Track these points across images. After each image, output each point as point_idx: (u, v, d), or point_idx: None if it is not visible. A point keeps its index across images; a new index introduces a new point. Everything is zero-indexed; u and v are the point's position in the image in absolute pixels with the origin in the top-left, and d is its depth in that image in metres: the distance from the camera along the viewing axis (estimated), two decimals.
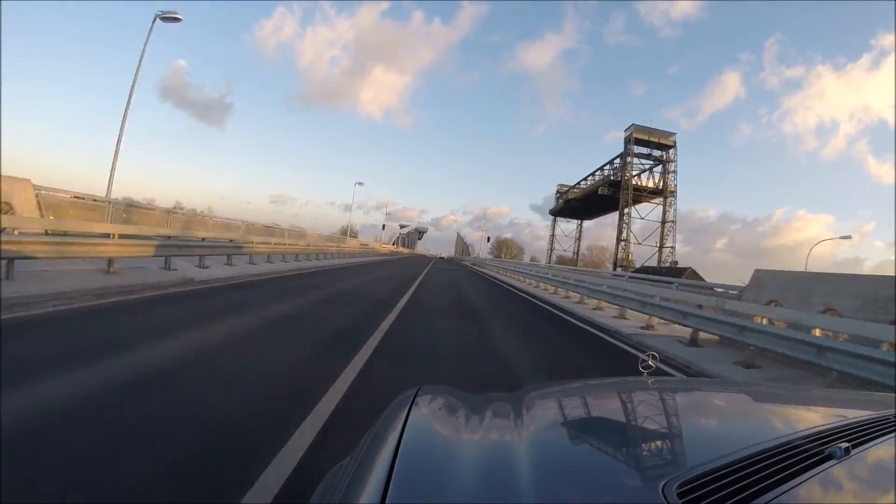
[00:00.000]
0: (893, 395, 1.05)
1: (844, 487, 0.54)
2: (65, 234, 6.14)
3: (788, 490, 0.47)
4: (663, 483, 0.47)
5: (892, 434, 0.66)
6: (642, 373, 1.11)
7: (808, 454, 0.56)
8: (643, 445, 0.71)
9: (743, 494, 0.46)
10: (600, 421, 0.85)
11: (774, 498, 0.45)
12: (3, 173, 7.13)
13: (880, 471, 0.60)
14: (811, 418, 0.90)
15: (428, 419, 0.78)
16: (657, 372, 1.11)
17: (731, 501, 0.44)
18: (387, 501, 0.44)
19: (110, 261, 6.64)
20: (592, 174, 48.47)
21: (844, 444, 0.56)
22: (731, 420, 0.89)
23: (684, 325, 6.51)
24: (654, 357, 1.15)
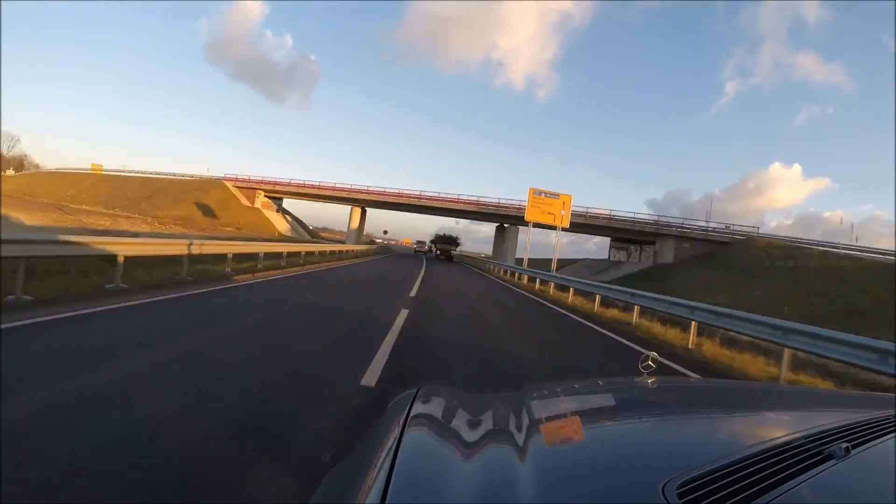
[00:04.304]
0: (893, 395, 1.05)
1: (845, 488, 0.54)
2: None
3: (788, 490, 0.47)
4: (663, 483, 0.47)
5: (893, 434, 0.66)
6: (642, 373, 1.11)
7: (808, 454, 0.56)
8: (643, 445, 0.71)
9: (743, 494, 0.46)
10: (600, 420, 0.85)
11: (774, 498, 0.45)
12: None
13: (881, 471, 0.60)
14: (811, 418, 0.90)
15: (428, 419, 0.78)
16: (657, 372, 1.11)
17: (731, 501, 0.44)
18: (387, 502, 0.44)
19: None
20: None
21: (844, 445, 0.56)
22: (731, 420, 0.89)
23: None
24: (654, 357, 1.15)
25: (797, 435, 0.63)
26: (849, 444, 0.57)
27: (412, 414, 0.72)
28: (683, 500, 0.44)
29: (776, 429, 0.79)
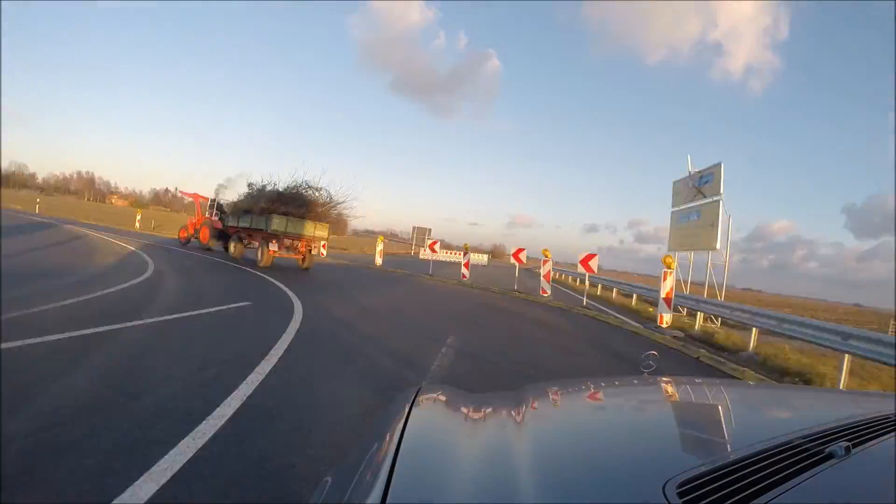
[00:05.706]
0: (893, 395, 1.05)
1: (845, 487, 0.54)
2: None
3: (788, 490, 0.47)
4: (663, 482, 0.47)
5: (893, 434, 0.66)
6: (643, 372, 1.11)
7: (808, 454, 0.55)
8: (643, 444, 0.70)
9: (743, 494, 0.46)
10: (600, 420, 0.85)
11: (774, 498, 0.45)
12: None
13: (881, 471, 0.60)
14: (811, 418, 0.90)
15: (428, 419, 0.78)
16: (657, 371, 1.11)
17: (731, 501, 0.44)
18: (387, 501, 0.44)
19: None
20: None
21: (845, 444, 0.56)
22: (731, 420, 0.89)
23: None
24: (654, 357, 1.15)
25: (797, 435, 0.63)
26: (849, 444, 0.57)
27: (412, 414, 0.72)
28: (683, 499, 0.44)
29: (776, 429, 0.79)
